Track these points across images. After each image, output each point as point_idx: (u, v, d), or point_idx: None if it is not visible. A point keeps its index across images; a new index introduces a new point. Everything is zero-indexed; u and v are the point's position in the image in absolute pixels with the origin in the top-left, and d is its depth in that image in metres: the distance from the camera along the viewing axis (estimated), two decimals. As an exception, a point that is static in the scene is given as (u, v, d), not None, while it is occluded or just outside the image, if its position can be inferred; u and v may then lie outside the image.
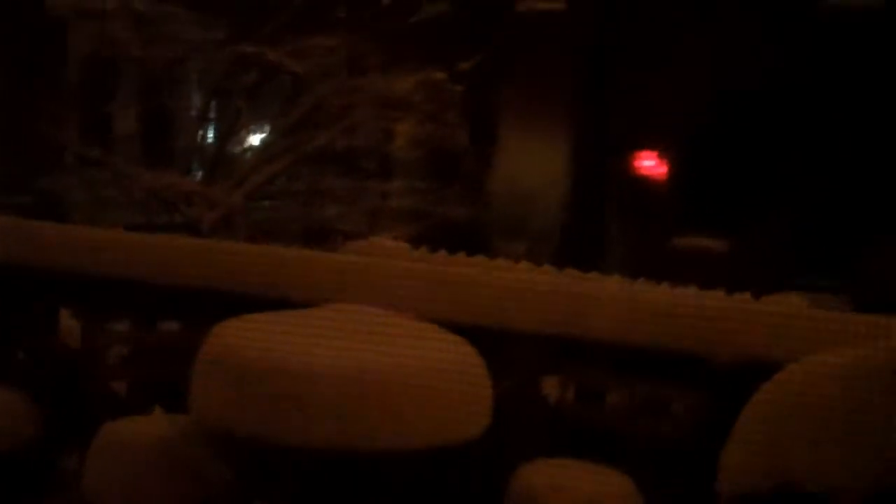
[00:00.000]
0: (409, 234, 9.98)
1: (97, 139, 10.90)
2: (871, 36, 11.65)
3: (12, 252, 3.42)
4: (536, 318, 2.88)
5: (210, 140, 11.90)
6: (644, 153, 13.91)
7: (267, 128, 11.37)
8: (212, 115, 12.06)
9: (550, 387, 3.08)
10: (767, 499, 2.27)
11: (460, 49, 10.68)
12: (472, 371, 2.39)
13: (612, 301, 2.89)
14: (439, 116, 10.40)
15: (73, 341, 3.46)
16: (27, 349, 3.52)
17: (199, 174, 10.89)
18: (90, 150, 10.45)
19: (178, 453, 2.69)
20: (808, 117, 12.37)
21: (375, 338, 2.41)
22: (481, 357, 2.47)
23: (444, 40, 10.62)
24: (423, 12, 10.03)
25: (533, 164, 13.66)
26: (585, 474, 2.59)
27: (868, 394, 2.22)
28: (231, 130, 10.96)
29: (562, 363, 2.97)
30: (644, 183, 13.67)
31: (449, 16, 10.36)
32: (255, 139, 11.78)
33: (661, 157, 13.65)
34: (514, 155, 13.79)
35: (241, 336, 2.39)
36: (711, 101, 12.56)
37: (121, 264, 3.32)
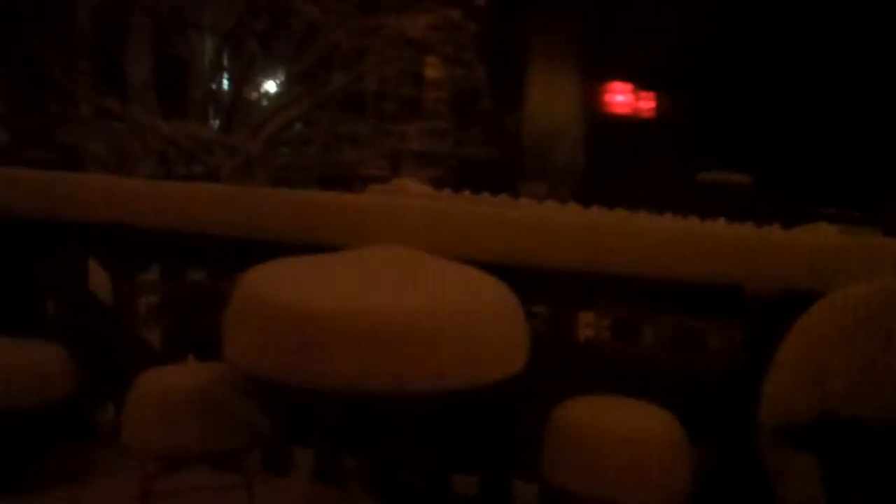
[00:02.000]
0: (432, 176, 9.94)
1: (112, 90, 10.84)
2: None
3: (39, 205, 3.41)
4: (568, 255, 2.85)
5: (226, 87, 11.83)
6: (644, 91, 13.79)
7: (282, 73, 11.29)
8: (226, 62, 11.98)
9: (585, 323, 3.07)
10: (810, 428, 2.25)
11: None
12: (508, 310, 2.37)
13: (643, 235, 2.86)
14: (456, 56, 10.29)
15: (103, 293, 3.45)
16: (59, 302, 3.52)
17: (217, 122, 10.85)
18: (106, 101, 10.42)
19: (213, 400, 2.69)
20: (831, 51, 12.17)
21: (407, 278, 2.38)
22: (515, 296, 2.44)
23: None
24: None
25: (554, 103, 13.54)
26: (626, 409, 2.58)
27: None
28: (246, 77, 10.88)
29: (595, 299, 2.95)
30: (665, 118, 13.55)
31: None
32: (270, 85, 11.72)
33: (667, 94, 13.52)
34: (536, 95, 13.67)
35: (269, 281, 2.37)
36: (725, 30, 12.37)
37: (147, 213, 3.29)
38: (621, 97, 13.96)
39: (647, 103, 14.01)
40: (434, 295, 2.28)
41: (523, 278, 2.69)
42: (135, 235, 3.32)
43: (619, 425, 2.47)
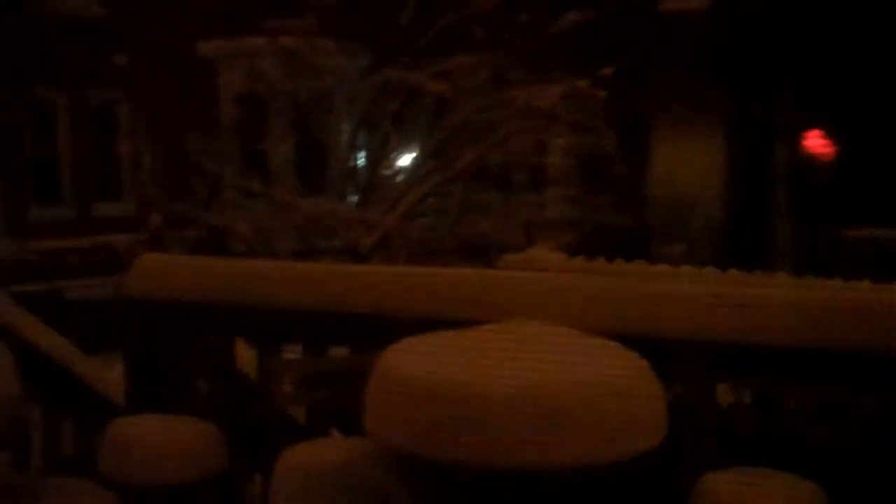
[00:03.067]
0: (565, 243, 9.97)
1: (256, 173, 11.34)
2: None
3: (189, 288, 3.60)
4: (704, 325, 2.82)
5: (362, 165, 12.21)
6: (812, 134, 13.36)
7: (416, 149, 11.58)
8: (361, 141, 12.38)
9: (724, 395, 3.01)
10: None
11: (603, 55, 10.61)
12: (644, 383, 2.36)
13: (781, 303, 2.81)
14: (586, 124, 10.36)
15: (250, 371, 3.59)
16: (209, 380, 3.68)
17: (355, 199, 11.19)
18: (250, 183, 10.90)
19: (357, 475, 2.75)
20: None
21: (543, 353, 2.41)
22: (651, 368, 2.43)
23: (586, 48, 10.57)
24: (563, 22, 10.03)
25: (686, 163, 13.41)
26: (772, 483, 2.51)
27: None
28: (381, 154, 11.22)
29: (734, 370, 2.90)
30: (809, 169, 13.17)
31: (589, 23, 10.31)
32: (405, 161, 12.02)
33: (826, 140, 13.13)
34: (667, 156, 13.58)
35: (408, 357, 2.43)
36: (872, 83, 12.03)
37: (290, 294, 3.44)
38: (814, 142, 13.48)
39: (826, 149, 13.52)
40: (570, 369, 2.30)
41: (659, 349, 2.68)
42: (278, 315, 3.46)
43: (766, 499, 2.42)
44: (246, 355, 3.65)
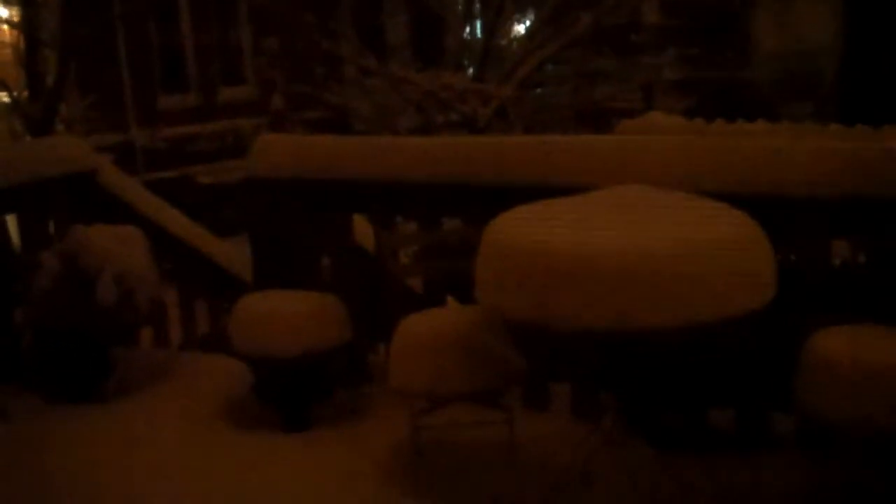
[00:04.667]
0: (686, 105, 9.72)
1: (372, 49, 11.32)
2: None
3: (306, 166, 3.71)
4: (819, 182, 2.76)
5: (477, 36, 12.05)
6: None
7: (531, 17, 11.35)
8: (475, 11, 12.20)
9: (839, 250, 2.96)
10: None
11: None
12: (753, 241, 2.34)
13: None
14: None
15: (368, 244, 3.70)
16: (330, 256, 3.82)
17: (470, 71, 11.10)
18: (366, 60, 10.90)
19: (472, 340, 2.85)
20: None
21: (651, 215, 2.41)
22: (761, 227, 2.40)
23: None
24: None
25: (811, 18, 12.75)
26: (886, 338, 2.49)
27: None
28: (496, 24, 11.03)
29: (849, 227, 2.84)
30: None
31: None
32: (520, 29, 11.82)
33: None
34: (791, 10, 12.93)
35: (516, 224, 2.47)
36: None
37: (404, 168, 3.51)
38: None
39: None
40: (678, 229, 2.30)
41: (776, 207, 2.65)
42: (394, 189, 3.54)
43: (881, 353, 2.40)
44: (364, 230, 3.76)
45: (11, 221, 4.01)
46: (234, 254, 4.66)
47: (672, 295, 2.20)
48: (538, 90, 11.07)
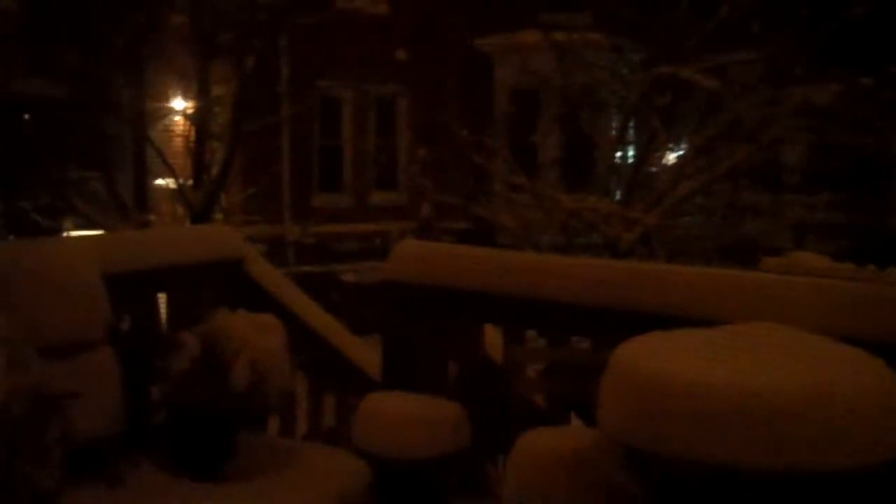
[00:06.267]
0: (836, 248, 9.47)
1: (522, 166, 11.54)
2: None
3: (442, 274, 3.79)
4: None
5: (627, 161, 12.14)
6: None
7: (683, 146, 11.37)
8: (628, 137, 12.31)
9: None
10: None
11: (890, 52, 9.95)
12: (888, 390, 2.26)
13: None
14: (869, 124, 9.77)
15: (497, 355, 3.73)
16: (457, 362, 3.85)
17: (617, 195, 11.17)
18: (515, 177, 11.12)
19: (590, 464, 2.81)
20: None
21: (779, 355, 2.36)
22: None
23: (871, 44, 9.94)
24: (846, 17, 9.49)
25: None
26: None
27: None
28: (648, 151, 11.10)
29: None
30: None
31: (874, 17, 9.70)
32: (671, 158, 11.84)
33: None
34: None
35: (642, 352, 2.46)
36: None
37: (536, 285, 3.54)
38: None
39: None
40: (806, 371, 2.24)
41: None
42: (528, 305, 3.57)
43: None
44: (493, 341, 3.79)
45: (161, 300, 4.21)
46: (366, 352, 4.75)
47: (795, 439, 2.14)
48: (684, 220, 11.01)
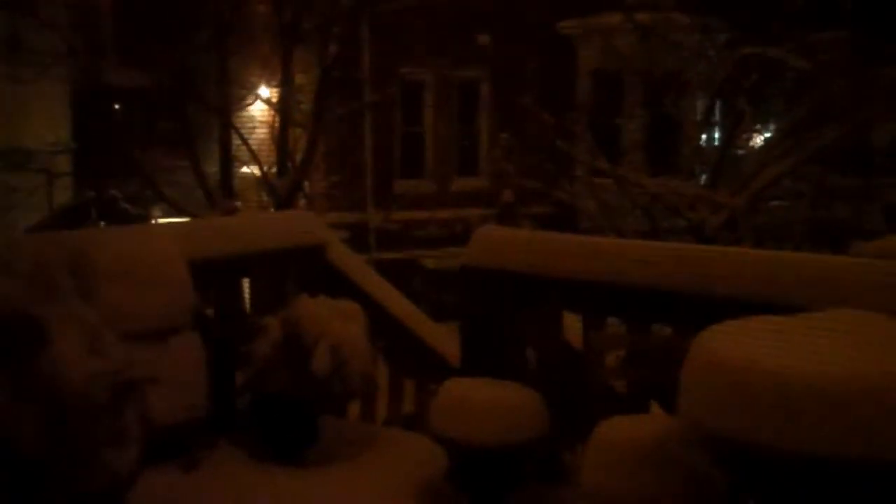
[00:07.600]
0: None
1: (605, 150, 11.42)
2: None
3: (521, 260, 3.77)
4: None
5: (713, 144, 11.93)
6: None
7: (771, 128, 11.12)
8: (714, 119, 12.08)
9: None
10: None
11: None
12: None
13: None
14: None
15: (576, 342, 3.70)
16: (536, 349, 3.83)
17: (702, 178, 10.97)
18: (598, 161, 11.01)
19: (671, 453, 2.77)
20: None
21: (865, 342, 2.29)
22: None
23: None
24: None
25: None
26: None
27: None
28: (734, 133, 10.87)
29: None
30: None
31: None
32: (758, 140, 11.59)
33: None
34: None
35: (725, 339, 2.41)
36: None
37: (617, 271, 3.50)
38: None
39: None
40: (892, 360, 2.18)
41: None
42: (608, 291, 3.53)
43: None
44: (573, 327, 3.76)
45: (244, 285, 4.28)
46: (446, 338, 4.76)
47: (887, 428, 2.08)
48: (772, 204, 10.77)
